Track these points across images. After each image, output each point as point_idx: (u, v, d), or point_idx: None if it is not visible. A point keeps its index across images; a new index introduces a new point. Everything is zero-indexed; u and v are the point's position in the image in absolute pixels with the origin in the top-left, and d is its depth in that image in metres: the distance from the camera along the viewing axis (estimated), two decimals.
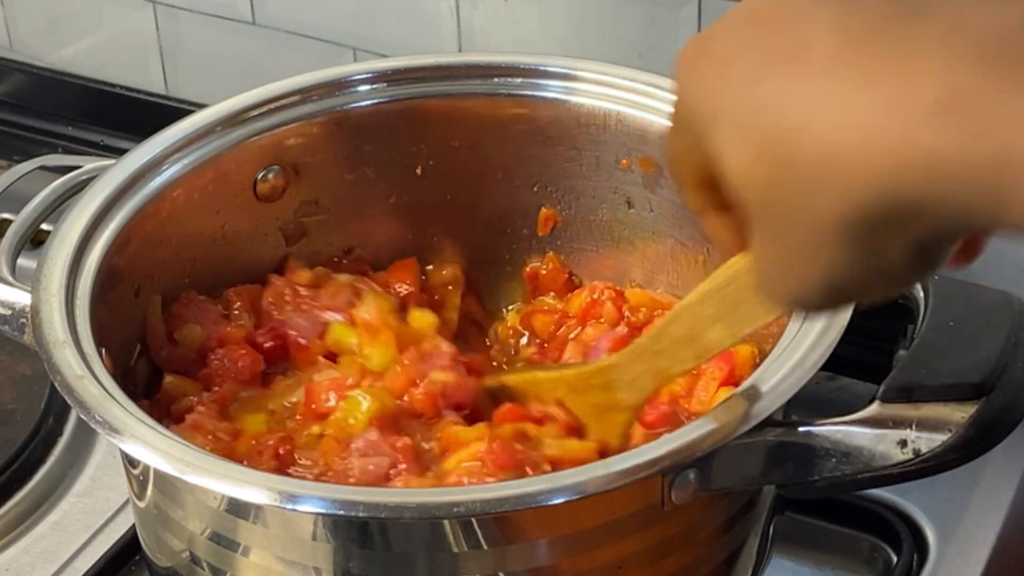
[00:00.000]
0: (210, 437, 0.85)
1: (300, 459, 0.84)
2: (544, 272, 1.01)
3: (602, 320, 0.97)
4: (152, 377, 0.92)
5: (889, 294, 0.59)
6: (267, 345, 0.93)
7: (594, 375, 0.84)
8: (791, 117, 0.55)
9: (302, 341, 0.93)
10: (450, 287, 1.01)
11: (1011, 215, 0.50)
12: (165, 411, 0.89)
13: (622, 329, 0.95)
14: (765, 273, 0.61)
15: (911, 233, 0.54)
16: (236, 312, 0.95)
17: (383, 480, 0.82)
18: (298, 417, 0.89)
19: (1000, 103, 0.50)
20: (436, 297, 1.00)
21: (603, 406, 0.83)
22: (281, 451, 0.84)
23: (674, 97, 0.62)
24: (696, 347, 0.77)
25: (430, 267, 1.02)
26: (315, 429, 0.87)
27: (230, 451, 0.84)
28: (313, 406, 0.88)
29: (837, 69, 0.54)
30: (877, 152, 0.52)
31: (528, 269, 1.02)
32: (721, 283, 0.73)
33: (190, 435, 0.83)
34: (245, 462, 0.83)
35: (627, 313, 0.97)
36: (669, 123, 0.92)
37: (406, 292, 0.99)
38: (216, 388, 0.91)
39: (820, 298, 0.59)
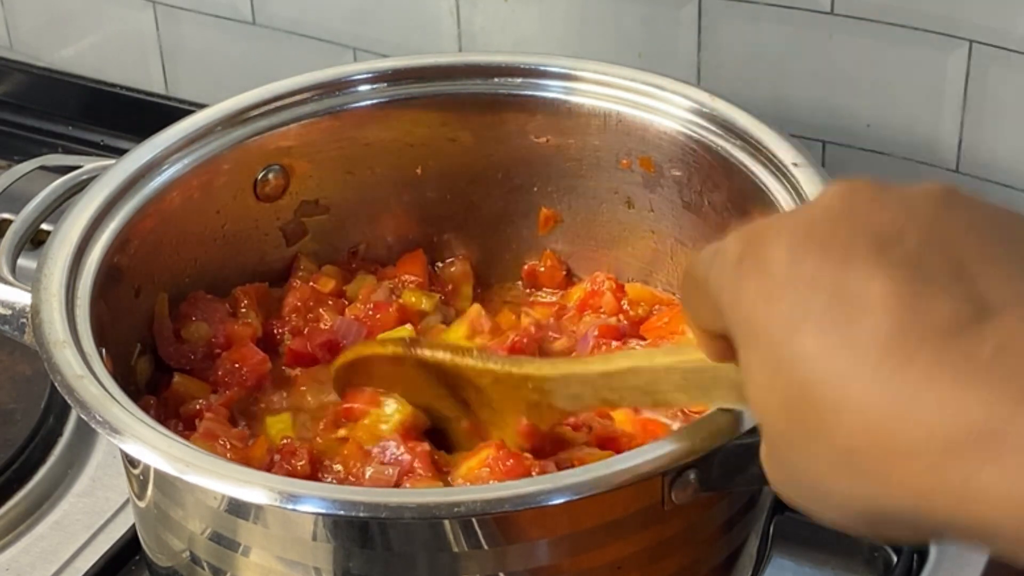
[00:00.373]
0: (223, 443, 0.85)
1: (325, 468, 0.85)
2: (542, 270, 1.01)
3: (601, 311, 0.97)
4: (155, 375, 0.93)
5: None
6: (310, 350, 0.94)
7: (526, 379, 0.80)
8: (823, 392, 0.52)
9: (346, 344, 0.94)
10: (461, 279, 1.01)
11: None
12: (173, 411, 0.90)
13: (613, 320, 0.96)
14: (771, 474, 0.59)
15: (923, 532, 0.52)
16: (243, 311, 0.96)
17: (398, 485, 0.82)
18: (326, 420, 0.90)
19: None
20: (449, 288, 1.01)
21: (535, 403, 0.80)
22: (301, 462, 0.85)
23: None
24: (654, 399, 0.74)
25: (439, 264, 1.02)
26: (341, 432, 0.87)
27: (245, 459, 0.84)
28: (350, 406, 0.89)
29: (881, 361, 0.50)
30: (909, 471, 0.50)
31: (527, 267, 1.02)
32: (696, 367, 0.69)
33: (203, 444, 0.83)
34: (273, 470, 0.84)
35: (626, 306, 0.97)
36: (669, 123, 0.94)
37: (414, 284, 0.99)
38: (224, 390, 0.91)
39: (820, 520, 0.57)
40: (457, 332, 0.95)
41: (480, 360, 0.83)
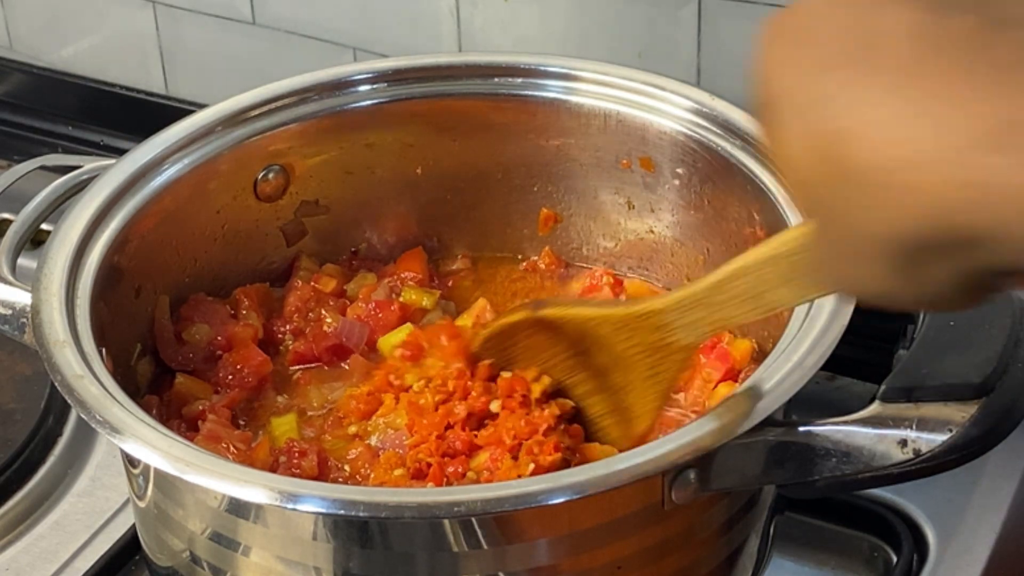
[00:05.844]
0: (226, 446, 0.85)
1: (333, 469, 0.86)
2: (543, 267, 1.02)
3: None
4: (158, 375, 0.93)
5: (945, 310, 0.58)
6: (316, 353, 0.94)
7: (645, 316, 0.80)
8: (851, 119, 0.53)
9: (349, 346, 0.94)
10: (462, 276, 1.01)
11: None
12: (175, 412, 0.90)
13: None
14: (816, 255, 0.60)
15: (963, 263, 0.53)
16: (244, 312, 0.96)
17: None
18: (339, 415, 0.90)
19: None
20: (450, 284, 1.01)
21: (656, 345, 0.80)
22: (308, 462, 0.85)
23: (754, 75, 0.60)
24: (760, 303, 0.74)
25: (440, 261, 1.03)
26: (352, 429, 0.87)
27: (249, 462, 0.84)
28: (362, 407, 0.89)
29: (906, 79, 0.52)
30: (933, 174, 0.50)
31: (525, 264, 1.02)
32: (794, 248, 0.70)
33: (207, 446, 0.83)
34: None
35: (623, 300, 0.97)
36: (669, 123, 0.94)
37: (415, 281, 0.99)
38: (226, 391, 0.92)
39: (865, 296, 0.58)
40: (463, 324, 0.95)
41: (599, 308, 0.83)
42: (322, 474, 0.85)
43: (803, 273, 0.69)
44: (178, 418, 0.89)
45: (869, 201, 0.53)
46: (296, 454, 0.85)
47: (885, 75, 0.53)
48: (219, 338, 0.94)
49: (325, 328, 0.96)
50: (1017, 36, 0.51)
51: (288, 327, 0.96)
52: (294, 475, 0.83)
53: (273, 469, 0.84)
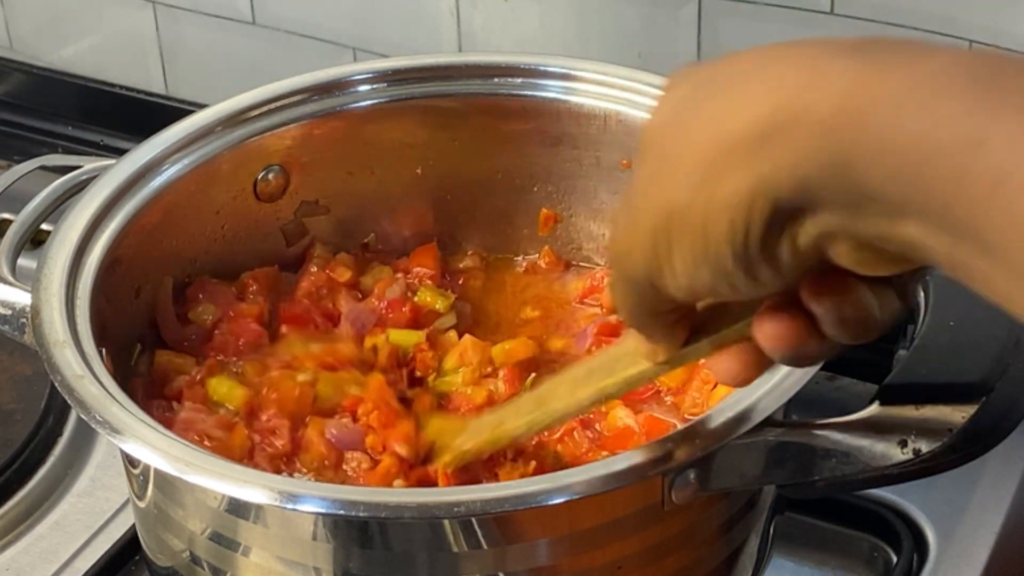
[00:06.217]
0: (199, 438, 0.85)
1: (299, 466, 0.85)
2: (543, 266, 1.01)
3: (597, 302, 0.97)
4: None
5: (705, 282, 0.57)
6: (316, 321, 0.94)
7: (462, 423, 0.85)
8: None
9: (350, 330, 0.94)
10: (471, 274, 1.01)
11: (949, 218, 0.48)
12: (158, 391, 0.89)
13: (613, 317, 0.96)
14: (618, 224, 0.60)
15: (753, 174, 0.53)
16: (252, 296, 0.96)
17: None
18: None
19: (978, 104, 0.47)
20: (460, 282, 1.01)
21: (447, 446, 0.83)
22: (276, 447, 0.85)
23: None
24: (540, 404, 0.77)
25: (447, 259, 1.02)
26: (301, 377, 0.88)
27: (226, 449, 0.84)
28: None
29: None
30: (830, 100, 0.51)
31: (525, 264, 1.02)
32: (597, 356, 0.76)
33: (183, 435, 0.83)
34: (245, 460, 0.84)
35: None
36: None
37: (429, 278, 0.99)
38: (208, 357, 0.91)
39: (649, 249, 0.58)
40: (449, 362, 0.94)
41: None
42: (296, 449, 0.85)
43: (584, 376, 0.75)
44: (160, 397, 0.89)
45: (699, 108, 0.55)
46: (267, 432, 0.85)
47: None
48: (224, 317, 0.93)
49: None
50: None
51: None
52: (269, 455, 0.84)
53: (251, 453, 0.85)
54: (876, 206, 0.50)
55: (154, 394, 0.89)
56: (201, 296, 0.94)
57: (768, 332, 0.60)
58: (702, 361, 0.73)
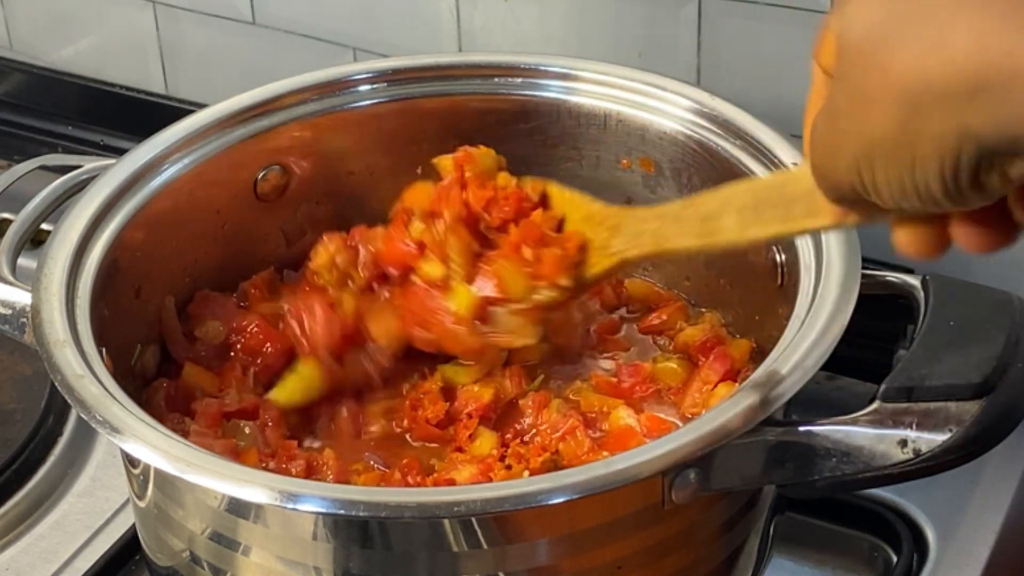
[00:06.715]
0: None
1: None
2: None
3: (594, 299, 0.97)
4: (164, 362, 0.93)
5: (913, 204, 0.60)
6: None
7: (612, 214, 0.86)
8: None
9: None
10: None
11: None
12: (180, 404, 0.89)
13: (616, 316, 0.96)
14: (820, 133, 0.63)
15: (963, 123, 0.56)
16: (254, 303, 0.96)
17: None
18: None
19: None
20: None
21: (601, 245, 0.85)
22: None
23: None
24: (707, 226, 0.78)
25: None
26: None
27: None
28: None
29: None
30: (961, 37, 0.55)
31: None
32: (767, 183, 0.76)
33: None
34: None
35: (626, 302, 0.97)
36: (669, 123, 0.94)
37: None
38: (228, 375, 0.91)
39: (853, 171, 0.61)
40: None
41: (586, 198, 0.89)
42: (312, 473, 0.85)
43: (759, 207, 0.74)
44: (181, 411, 0.89)
45: (898, 42, 0.57)
46: (285, 458, 0.85)
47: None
48: (231, 332, 0.93)
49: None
50: None
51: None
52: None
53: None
54: None
55: (176, 407, 0.89)
56: (204, 313, 0.94)
57: (969, 235, 0.63)
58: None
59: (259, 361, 0.92)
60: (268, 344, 0.92)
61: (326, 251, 0.93)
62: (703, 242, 0.78)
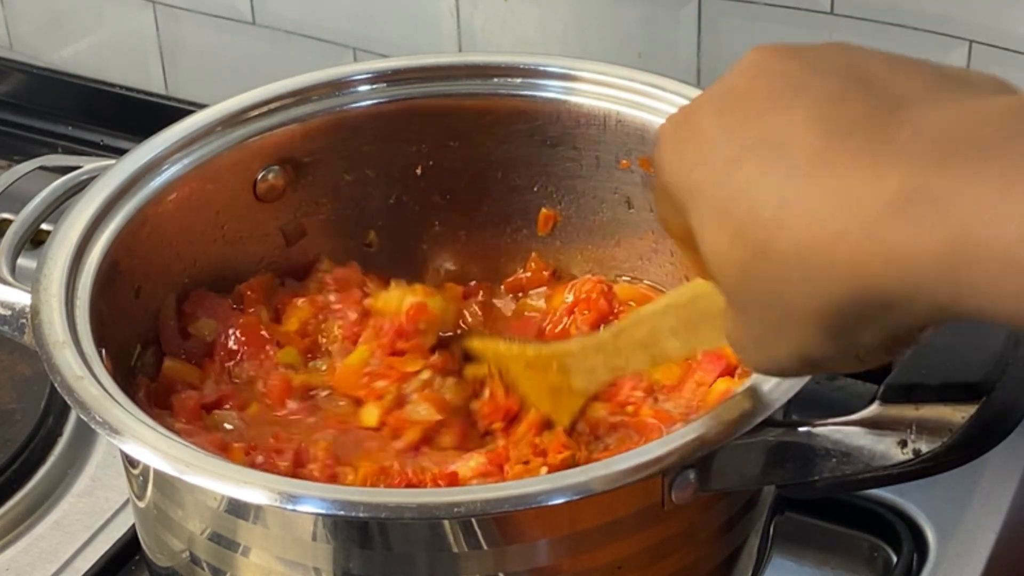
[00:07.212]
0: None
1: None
2: (528, 275, 1.01)
3: (586, 311, 0.96)
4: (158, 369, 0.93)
5: (862, 369, 0.61)
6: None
7: (554, 357, 0.85)
8: (767, 208, 0.56)
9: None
10: (452, 280, 1.01)
11: (967, 305, 0.52)
12: (163, 399, 0.89)
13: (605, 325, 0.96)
14: (737, 343, 0.63)
15: (884, 323, 0.56)
16: (251, 308, 0.96)
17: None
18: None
19: (953, 196, 0.51)
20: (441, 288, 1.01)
21: (558, 388, 0.84)
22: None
23: (658, 164, 0.63)
24: (652, 353, 0.78)
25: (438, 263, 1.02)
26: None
27: None
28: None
29: (812, 166, 0.55)
30: (847, 249, 0.54)
31: (511, 279, 1.02)
32: (686, 300, 0.75)
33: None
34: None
35: (617, 307, 0.97)
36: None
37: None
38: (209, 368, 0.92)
39: (791, 371, 0.62)
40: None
41: (513, 346, 0.87)
42: (298, 465, 0.85)
43: (692, 327, 0.75)
44: (161, 407, 0.89)
45: (793, 280, 0.56)
46: (272, 452, 0.85)
47: (793, 163, 0.56)
48: (225, 331, 0.94)
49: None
50: (907, 115, 0.55)
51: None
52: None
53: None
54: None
55: (158, 403, 0.89)
56: (199, 312, 0.94)
57: None
58: None
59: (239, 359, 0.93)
60: (246, 348, 0.93)
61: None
62: (658, 363, 0.81)
